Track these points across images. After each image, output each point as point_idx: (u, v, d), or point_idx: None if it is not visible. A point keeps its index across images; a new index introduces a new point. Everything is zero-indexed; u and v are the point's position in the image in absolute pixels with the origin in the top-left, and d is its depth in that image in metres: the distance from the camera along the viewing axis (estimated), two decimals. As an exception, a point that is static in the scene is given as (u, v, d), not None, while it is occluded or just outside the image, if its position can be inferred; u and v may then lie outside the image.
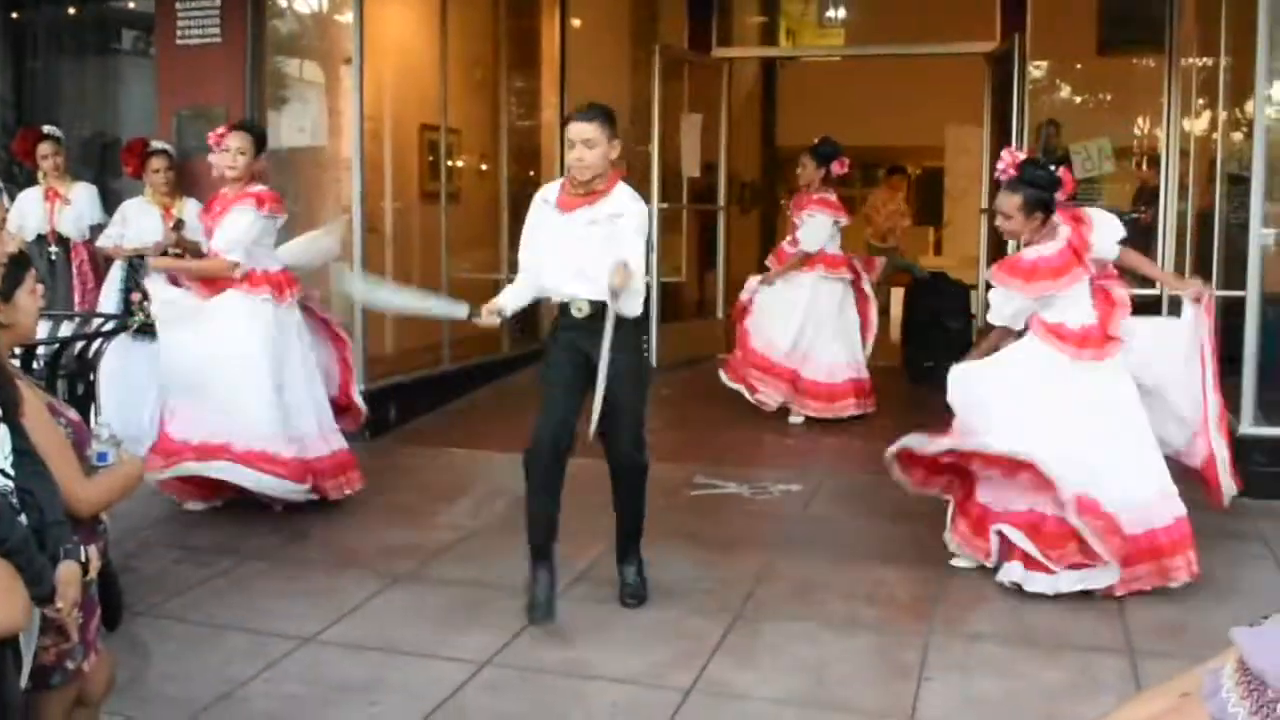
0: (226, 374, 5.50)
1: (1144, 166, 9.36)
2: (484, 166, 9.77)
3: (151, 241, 6.77)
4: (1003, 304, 4.86)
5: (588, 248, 4.36)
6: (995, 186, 8.87)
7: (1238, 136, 7.60)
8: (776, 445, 7.36)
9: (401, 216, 8.53)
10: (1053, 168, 4.90)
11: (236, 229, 5.62)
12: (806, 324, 7.70)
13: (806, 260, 7.71)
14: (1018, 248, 4.97)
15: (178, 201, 7.01)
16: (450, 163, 9.04)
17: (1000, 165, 4.84)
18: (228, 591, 4.74)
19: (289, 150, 7.86)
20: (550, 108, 9.98)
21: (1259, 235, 6.07)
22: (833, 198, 7.78)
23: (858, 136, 14.87)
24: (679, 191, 10.23)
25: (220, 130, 5.84)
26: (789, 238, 8.00)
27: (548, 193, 4.57)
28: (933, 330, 8.97)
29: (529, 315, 10.04)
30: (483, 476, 6.34)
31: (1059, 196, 4.82)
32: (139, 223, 6.90)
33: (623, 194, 4.45)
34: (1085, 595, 4.61)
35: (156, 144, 7.08)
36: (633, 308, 4.33)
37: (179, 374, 5.61)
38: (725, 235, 10.59)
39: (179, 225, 6.87)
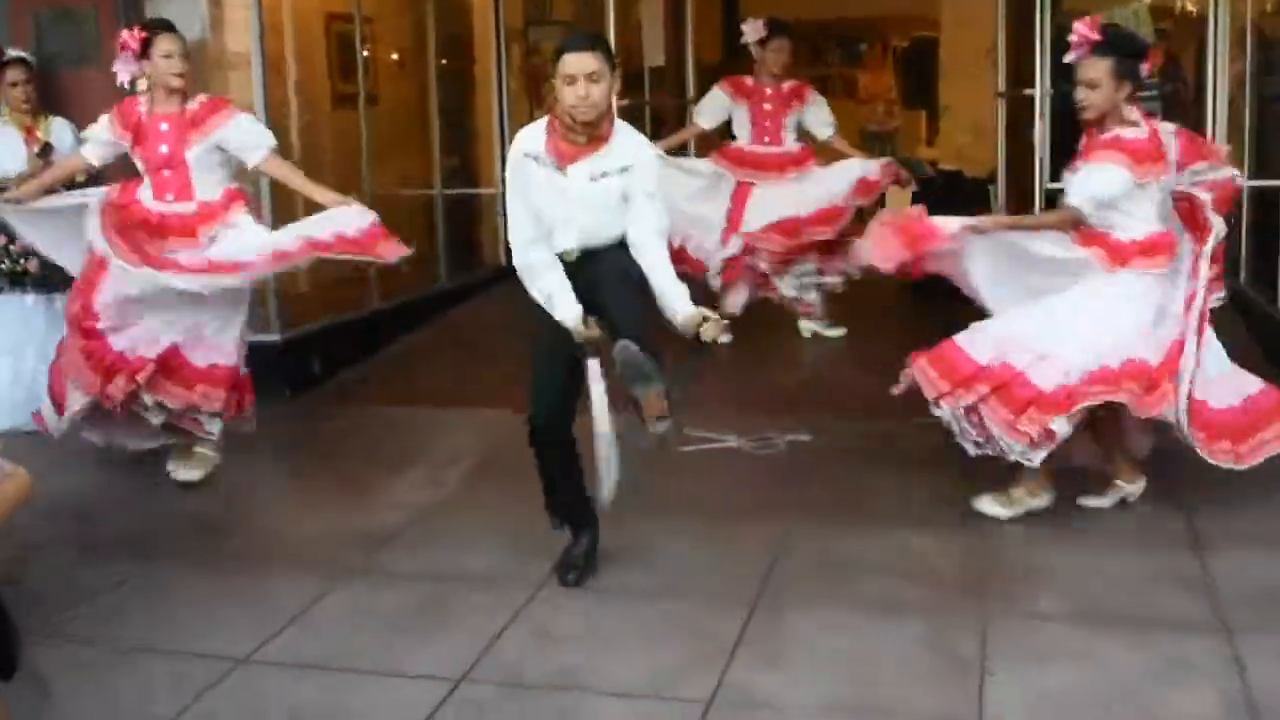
0: None
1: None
2: (406, 61, 9.43)
3: (13, 170, 6.45)
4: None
5: (600, 214, 4.25)
6: (1015, 67, 8.72)
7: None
8: (772, 387, 7.15)
9: (310, 124, 8.18)
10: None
11: None
12: None
13: None
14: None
15: (42, 121, 6.66)
16: (366, 57, 8.70)
17: (1075, 38, 4.72)
18: (138, 602, 4.48)
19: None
20: (483, -12, 9.64)
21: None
22: None
23: (833, 7, 14.68)
24: (640, 83, 9.92)
25: None
26: None
27: (530, 145, 4.26)
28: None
29: (469, 236, 9.87)
30: (432, 440, 6.13)
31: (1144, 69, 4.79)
32: (-5, 146, 6.55)
33: (629, 139, 4.28)
34: (1161, 566, 4.54)
35: (12, 52, 6.67)
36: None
37: None
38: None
39: (46, 150, 6.54)
